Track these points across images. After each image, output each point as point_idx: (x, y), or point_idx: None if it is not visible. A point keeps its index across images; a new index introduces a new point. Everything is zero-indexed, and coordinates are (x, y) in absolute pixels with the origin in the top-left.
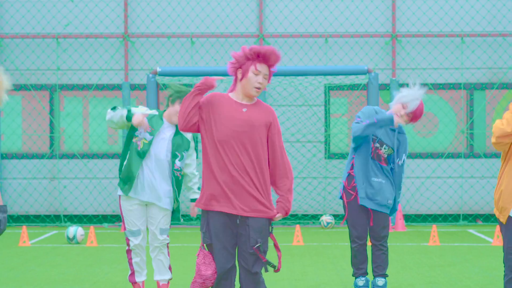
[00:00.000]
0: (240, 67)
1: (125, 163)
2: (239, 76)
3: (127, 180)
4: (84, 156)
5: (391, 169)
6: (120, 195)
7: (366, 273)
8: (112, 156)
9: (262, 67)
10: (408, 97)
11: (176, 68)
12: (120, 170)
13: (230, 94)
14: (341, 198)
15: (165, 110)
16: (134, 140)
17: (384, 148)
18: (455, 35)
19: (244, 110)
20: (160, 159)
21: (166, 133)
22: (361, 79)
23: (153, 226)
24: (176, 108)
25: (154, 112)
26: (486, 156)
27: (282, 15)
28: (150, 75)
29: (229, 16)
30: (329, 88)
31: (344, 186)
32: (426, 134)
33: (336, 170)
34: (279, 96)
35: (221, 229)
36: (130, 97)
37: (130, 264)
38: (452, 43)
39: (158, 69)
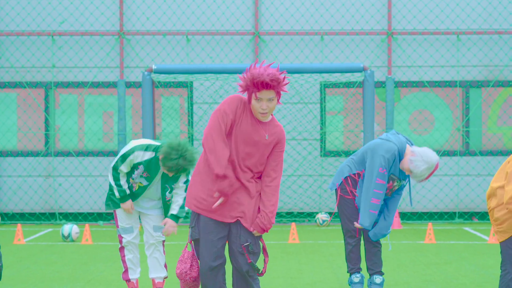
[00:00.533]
0: (245, 91)
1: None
2: (247, 99)
3: (114, 205)
4: (79, 153)
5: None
6: None
7: (361, 269)
8: (108, 153)
9: (262, 94)
10: (417, 170)
11: (172, 66)
12: (111, 190)
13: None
14: (335, 189)
15: (160, 149)
16: (130, 180)
17: (397, 182)
18: (451, 32)
19: (267, 137)
20: (151, 193)
21: (159, 175)
22: (357, 77)
23: (147, 224)
24: (167, 172)
25: (151, 155)
26: (481, 154)
27: (278, 12)
28: (146, 73)
29: (224, 13)
30: (324, 86)
31: (342, 182)
32: (422, 131)
33: (332, 168)
34: None
35: (212, 224)
36: (125, 94)
37: (123, 261)
38: (448, 40)
39: (154, 67)
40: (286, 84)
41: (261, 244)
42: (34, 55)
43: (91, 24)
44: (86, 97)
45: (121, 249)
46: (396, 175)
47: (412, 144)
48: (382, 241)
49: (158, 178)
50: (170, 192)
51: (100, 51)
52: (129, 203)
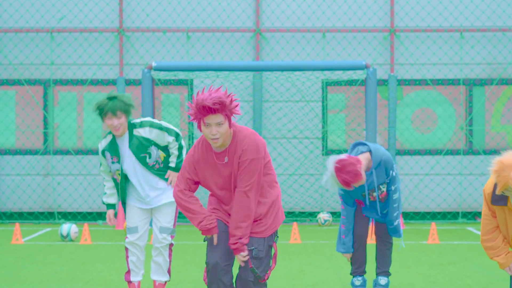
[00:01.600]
0: (195, 118)
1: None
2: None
3: (120, 200)
4: (79, 152)
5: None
6: None
7: (365, 272)
8: None
9: (209, 119)
10: (329, 184)
11: (172, 63)
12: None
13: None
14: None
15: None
16: (113, 176)
17: (377, 190)
18: (454, 30)
19: (226, 160)
20: (137, 172)
21: (125, 150)
22: (359, 75)
23: (155, 225)
24: (107, 122)
25: (109, 137)
26: (485, 152)
27: (279, 9)
28: (145, 70)
29: (225, 10)
30: (326, 84)
31: None
32: (424, 130)
33: None
34: (276, 91)
35: (224, 225)
36: (125, 92)
37: (127, 262)
38: (451, 38)
39: (154, 64)
40: (235, 106)
41: (273, 251)
42: (32, 52)
43: (90, 21)
44: (85, 95)
45: (126, 249)
46: (370, 188)
47: (368, 150)
48: (394, 241)
49: (127, 154)
50: (150, 158)
51: (99, 48)
52: (109, 212)
